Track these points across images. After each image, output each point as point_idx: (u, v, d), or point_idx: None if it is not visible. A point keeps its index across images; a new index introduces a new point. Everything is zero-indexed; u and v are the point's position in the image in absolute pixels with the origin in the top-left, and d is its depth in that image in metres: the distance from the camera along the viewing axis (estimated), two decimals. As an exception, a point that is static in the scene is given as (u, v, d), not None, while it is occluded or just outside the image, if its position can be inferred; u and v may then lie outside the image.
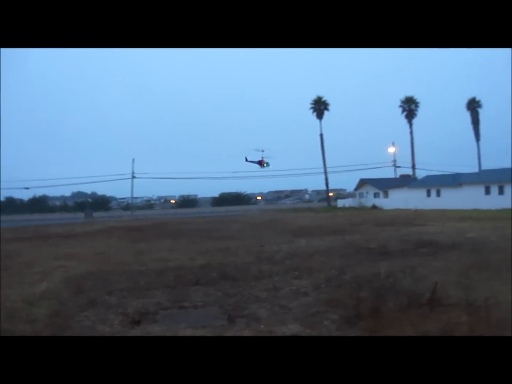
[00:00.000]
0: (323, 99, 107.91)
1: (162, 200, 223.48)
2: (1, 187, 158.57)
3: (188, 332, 10.07)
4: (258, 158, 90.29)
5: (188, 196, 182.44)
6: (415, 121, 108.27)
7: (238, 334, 9.95)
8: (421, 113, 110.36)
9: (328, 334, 9.79)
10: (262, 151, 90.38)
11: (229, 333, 10.00)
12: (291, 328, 10.22)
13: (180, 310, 12.48)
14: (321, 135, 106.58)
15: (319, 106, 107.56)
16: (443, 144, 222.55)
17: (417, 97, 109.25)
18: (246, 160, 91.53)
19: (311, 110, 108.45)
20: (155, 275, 17.63)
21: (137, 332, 10.42)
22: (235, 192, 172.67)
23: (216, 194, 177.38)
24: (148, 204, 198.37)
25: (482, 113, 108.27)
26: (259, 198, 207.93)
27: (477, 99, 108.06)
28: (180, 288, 15.09)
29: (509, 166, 70.03)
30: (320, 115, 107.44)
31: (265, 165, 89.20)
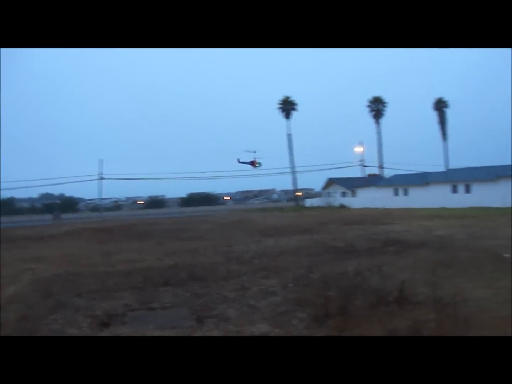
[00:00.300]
0: (290, 99, 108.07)
1: (130, 201, 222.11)
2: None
3: (157, 333, 10.03)
4: (250, 159, 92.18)
5: (156, 196, 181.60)
6: (383, 121, 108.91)
7: (207, 334, 9.95)
8: (389, 113, 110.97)
9: (297, 333, 9.79)
10: (254, 152, 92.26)
11: (198, 333, 10.00)
12: (260, 328, 10.24)
13: (149, 311, 12.43)
14: (289, 135, 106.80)
15: (287, 106, 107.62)
16: (411, 144, 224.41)
17: (386, 97, 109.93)
18: (239, 161, 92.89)
19: (279, 110, 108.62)
20: (124, 276, 17.57)
21: (105, 334, 10.39)
22: (203, 192, 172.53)
23: (184, 195, 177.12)
24: (116, 205, 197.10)
25: (449, 112, 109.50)
26: (227, 198, 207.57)
27: (444, 99, 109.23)
28: (148, 289, 15.03)
29: (475, 165, 70.94)
30: (287, 115, 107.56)
31: (257, 165, 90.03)
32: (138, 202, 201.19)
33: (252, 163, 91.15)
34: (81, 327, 10.92)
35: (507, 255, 18.27)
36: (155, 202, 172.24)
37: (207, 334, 9.98)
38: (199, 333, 10.02)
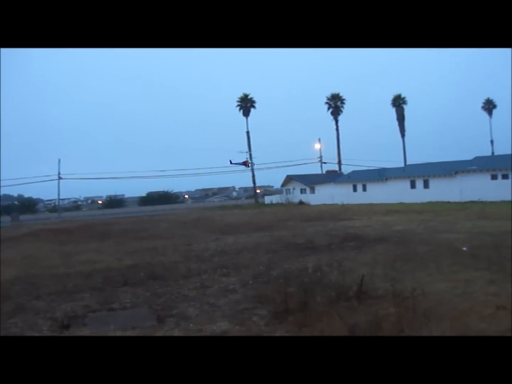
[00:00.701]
0: (249, 97, 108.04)
1: (89, 201, 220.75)
2: None
3: (118, 334, 9.99)
4: (243, 160, 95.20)
5: (115, 196, 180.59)
6: (342, 117, 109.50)
7: (168, 334, 9.93)
8: (348, 110, 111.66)
9: (257, 330, 9.86)
10: (246, 152, 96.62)
11: (158, 333, 9.98)
12: (221, 326, 10.25)
13: (109, 312, 12.34)
14: (248, 133, 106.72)
15: (246, 104, 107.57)
16: (370, 140, 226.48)
17: (345, 94, 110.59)
18: (231, 162, 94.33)
19: (238, 108, 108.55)
20: (83, 277, 17.41)
21: (66, 335, 10.30)
22: (162, 191, 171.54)
23: (143, 194, 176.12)
24: (75, 205, 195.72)
25: (407, 109, 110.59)
26: (186, 196, 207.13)
27: (402, 95, 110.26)
28: (108, 290, 14.94)
29: (433, 160, 71.76)
30: (246, 113, 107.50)
31: (249, 165, 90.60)
32: (97, 202, 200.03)
33: (245, 163, 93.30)
34: (41, 330, 10.79)
35: (465, 249, 18.54)
36: (114, 202, 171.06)
37: (168, 333, 9.94)
38: (159, 333, 9.97)
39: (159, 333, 9.98)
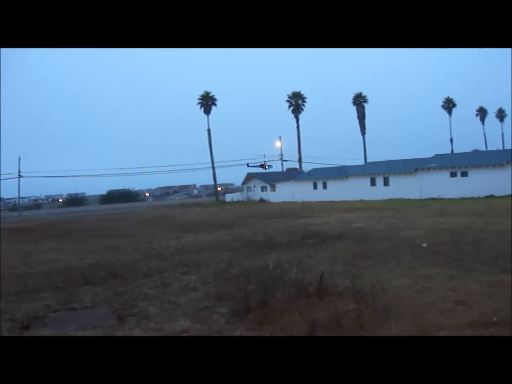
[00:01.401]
0: (210, 94, 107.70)
1: (50, 199, 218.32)
2: None
3: (79, 334, 9.92)
4: (261, 162, 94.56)
5: (76, 194, 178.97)
6: (304, 116, 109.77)
7: (128, 333, 9.93)
8: (310, 108, 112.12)
9: (218, 328, 9.89)
10: (264, 155, 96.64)
11: (119, 333, 9.98)
12: (181, 324, 10.27)
13: (70, 311, 12.22)
14: (209, 130, 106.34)
15: (207, 101, 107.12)
16: (331, 139, 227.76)
17: (307, 93, 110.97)
18: (248, 165, 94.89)
19: (199, 106, 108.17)
20: (44, 277, 17.28)
21: (37, 335, 10.20)
22: (123, 189, 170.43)
23: (104, 192, 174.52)
24: (36, 204, 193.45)
25: (368, 108, 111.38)
26: (147, 194, 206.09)
27: (363, 94, 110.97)
28: (69, 289, 14.83)
29: (393, 158, 72.57)
30: (207, 110, 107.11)
31: (267, 167, 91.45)
32: (58, 200, 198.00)
33: (262, 166, 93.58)
34: (1, 331, 10.73)
35: (424, 245, 18.81)
36: (75, 200, 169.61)
37: (128, 332, 9.94)
38: (120, 332, 9.97)
39: (120, 332, 9.96)
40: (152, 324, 10.55)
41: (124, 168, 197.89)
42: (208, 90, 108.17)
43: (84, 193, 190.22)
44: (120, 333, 9.96)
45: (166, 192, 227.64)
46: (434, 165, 65.34)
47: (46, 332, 10.42)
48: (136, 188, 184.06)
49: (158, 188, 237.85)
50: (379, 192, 67.44)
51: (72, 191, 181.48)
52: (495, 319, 9.01)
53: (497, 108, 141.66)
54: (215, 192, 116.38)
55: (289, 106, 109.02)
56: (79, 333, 10.03)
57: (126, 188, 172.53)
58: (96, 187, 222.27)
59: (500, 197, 53.86)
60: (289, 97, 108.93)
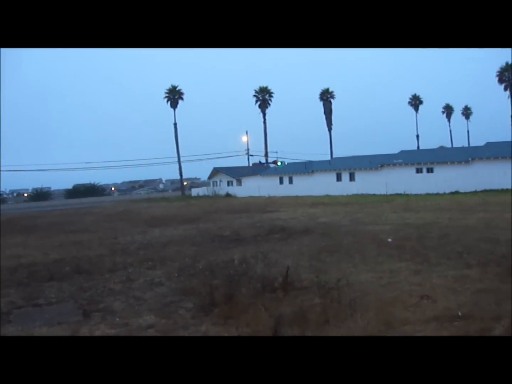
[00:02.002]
0: (177, 88, 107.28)
1: (14, 194, 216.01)
2: None
3: (44, 331, 9.84)
4: (273, 159, 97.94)
5: (42, 188, 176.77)
6: (271, 111, 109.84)
7: (93, 329, 9.88)
8: (277, 104, 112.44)
9: (183, 322, 9.93)
10: (276, 152, 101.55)
11: (84, 329, 9.92)
12: (147, 320, 10.27)
13: (35, 308, 12.14)
14: (175, 124, 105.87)
15: (174, 96, 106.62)
16: (298, 134, 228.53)
17: (275, 89, 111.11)
18: (260, 163, 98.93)
19: (165, 100, 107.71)
20: (8, 272, 17.08)
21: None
22: (88, 184, 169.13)
23: (69, 186, 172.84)
24: (0, 199, 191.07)
25: (335, 104, 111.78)
26: (113, 189, 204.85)
27: (330, 90, 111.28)
28: (34, 285, 14.71)
29: (359, 154, 73.09)
30: (174, 105, 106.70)
31: (279, 164, 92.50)
32: (23, 194, 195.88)
33: (274, 162, 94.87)
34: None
35: (390, 240, 18.99)
36: (40, 195, 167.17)
37: (93, 328, 9.91)
38: (85, 328, 9.93)
39: (85, 328, 9.91)
40: (117, 319, 10.52)
41: (90, 162, 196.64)
42: (175, 84, 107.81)
43: (49, 188, 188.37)
44: (85, 328, 9.90)
45: (132, 186, 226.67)
46: (400, 161, 65.82)
47: (10, 329, 10.31)
48: (102, 183, 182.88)
49: (124, 183, 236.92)
50: (345, 187, 67.64)
51: (38, 185, 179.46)
52: (459, 313, 9.14)
53: (463, 105, 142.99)
54: (181, 187, 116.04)
55: (256, 101, 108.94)
56: (44, 331, 9.94)
57: (92, 182, 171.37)
58: (62, 182, 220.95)
59: (465, 193, 54.40)
60: (256, 92, 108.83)
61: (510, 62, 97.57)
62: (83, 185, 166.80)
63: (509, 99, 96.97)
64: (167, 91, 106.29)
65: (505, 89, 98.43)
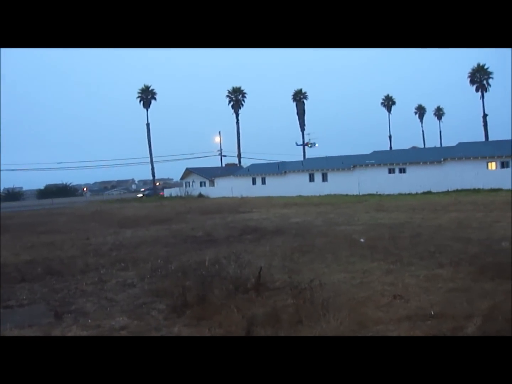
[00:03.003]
0: (150, 88, 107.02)
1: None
2: None
3: (15, 333, 9.76)
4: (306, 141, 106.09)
5: (13, 189, 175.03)
6: (245, 112, 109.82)
7: (65, 331, 9.83)
8: (250, 104, 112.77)
9: (156, 324, 9.90)
10: (308, 134, 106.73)
11: (56, 331, 9.86)
12: (119, 321, 10.23)
13: (6, 309, 11.99)
14: (148, 125, 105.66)
15: (147, 95, 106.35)
16: (271, 134, 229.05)
17: (248, 89, 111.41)
18: (297, 144, 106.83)
19: (138, 100, 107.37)
20: (-23, 274, 16.95)
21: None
22: (61, 184, 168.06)
23: (41, 186, 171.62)
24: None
25: (308, 104, 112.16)
26: (85, 189, 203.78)
27: (303, 90, 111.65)
28: (4, 287, 14.50)
29: (332, 154, 73.76)
30: (147, 105, 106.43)
31: (310, 145, 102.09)
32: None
33: (306, 144, 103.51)
34: None
35: (362, 240, 19.11)
36: (12, 195, 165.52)
37: (65, 330, 9.85)
38: (57, 330, 9.87)
39: (57, 330, 9.85)
40: (89, 321, 10.45)
41: (62, 162, 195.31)
42: (148, 83, 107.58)
43: (21, 188, 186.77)
44: (57, 330, 9.84)
45: (104, 187, 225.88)
46: (373, 161, 66.24)
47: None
48: (74, 183, 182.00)
49: (96, 183, 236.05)
50: (318, 188, 68.07)
51: (9, 185, 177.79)
52: (432, 312, 9.25)
53: (435, 106, 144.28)
54: (153, 187, 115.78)
55: (229, 102, 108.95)
56: (16, 332, 9.86)
57: (64, 182, 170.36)
58: (34, 182, 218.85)
59: (438, 193, 55.15)
60: (230, 92, 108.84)
61: (481, 64, 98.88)
62: (55, 185, 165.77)
63: (481, 100, 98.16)
64: (140, 91, 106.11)
65: (477, 90, 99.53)
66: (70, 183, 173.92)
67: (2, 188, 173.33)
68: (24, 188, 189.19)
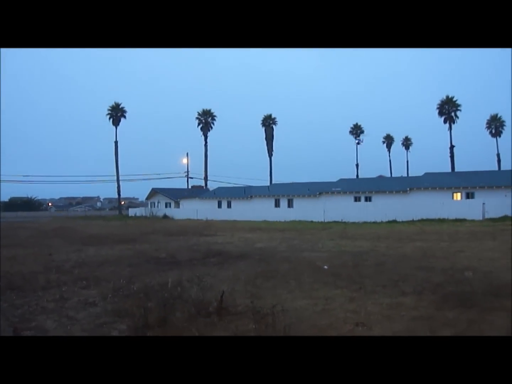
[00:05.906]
0: (121, 106, 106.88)
1: None
2: None
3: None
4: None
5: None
6: (213, 135, 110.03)
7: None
8: (219, 128, 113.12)
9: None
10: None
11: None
12: (79, 340, 10.17)
13: (-37, 325, 11.87)
14: (116, 142, 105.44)
15: (116, 113, 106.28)
16: (238, 158, 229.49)
17: (217, 112, 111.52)
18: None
19: (108, 117, 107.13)
20: None
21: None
22: (26, 197, 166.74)
23: (6, 199, 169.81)
24: None
25: (277, 130, 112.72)
26: (50, 204, 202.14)
27: (273, 116, 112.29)
28: (-37, 301, 14.37)
29: (298, 180, 74.28)
30: (116, 122, 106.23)
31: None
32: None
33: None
34: None
35: (326, 267, 19.16)
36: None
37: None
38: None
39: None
40: (48, 339, 10.37)
41: (28, 176, 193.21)
42: (119, 101, 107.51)
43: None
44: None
45: (69, 202, 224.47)
46: (339, 189, 66.92)
47: None
48: (39, 197, 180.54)
49: (61, 198, 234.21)
50: (283, 214, 68.44)
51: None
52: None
53: (403, 136, 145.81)
54: (118, 206, 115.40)
55: (199, 124, 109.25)
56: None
57: (29, 196, 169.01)
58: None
59: (403, 222, 55.64)
60: (199, 114, 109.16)
61: (450, 96, 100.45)
62: (20, 199, 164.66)
63: (449, 131, 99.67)
64: (109, 108, 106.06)
65: (445, 121, 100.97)
66: (35, 197, 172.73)
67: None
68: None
